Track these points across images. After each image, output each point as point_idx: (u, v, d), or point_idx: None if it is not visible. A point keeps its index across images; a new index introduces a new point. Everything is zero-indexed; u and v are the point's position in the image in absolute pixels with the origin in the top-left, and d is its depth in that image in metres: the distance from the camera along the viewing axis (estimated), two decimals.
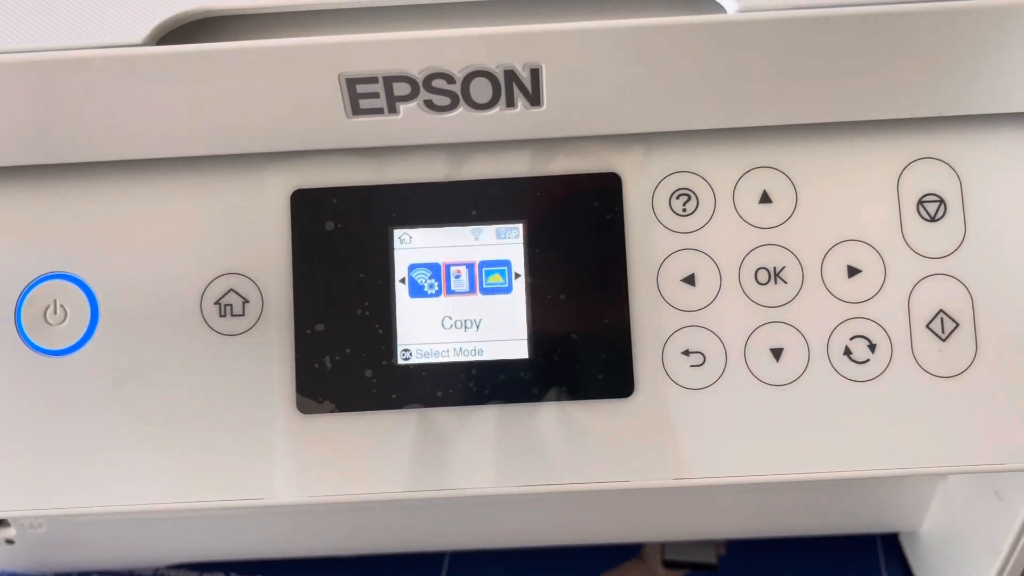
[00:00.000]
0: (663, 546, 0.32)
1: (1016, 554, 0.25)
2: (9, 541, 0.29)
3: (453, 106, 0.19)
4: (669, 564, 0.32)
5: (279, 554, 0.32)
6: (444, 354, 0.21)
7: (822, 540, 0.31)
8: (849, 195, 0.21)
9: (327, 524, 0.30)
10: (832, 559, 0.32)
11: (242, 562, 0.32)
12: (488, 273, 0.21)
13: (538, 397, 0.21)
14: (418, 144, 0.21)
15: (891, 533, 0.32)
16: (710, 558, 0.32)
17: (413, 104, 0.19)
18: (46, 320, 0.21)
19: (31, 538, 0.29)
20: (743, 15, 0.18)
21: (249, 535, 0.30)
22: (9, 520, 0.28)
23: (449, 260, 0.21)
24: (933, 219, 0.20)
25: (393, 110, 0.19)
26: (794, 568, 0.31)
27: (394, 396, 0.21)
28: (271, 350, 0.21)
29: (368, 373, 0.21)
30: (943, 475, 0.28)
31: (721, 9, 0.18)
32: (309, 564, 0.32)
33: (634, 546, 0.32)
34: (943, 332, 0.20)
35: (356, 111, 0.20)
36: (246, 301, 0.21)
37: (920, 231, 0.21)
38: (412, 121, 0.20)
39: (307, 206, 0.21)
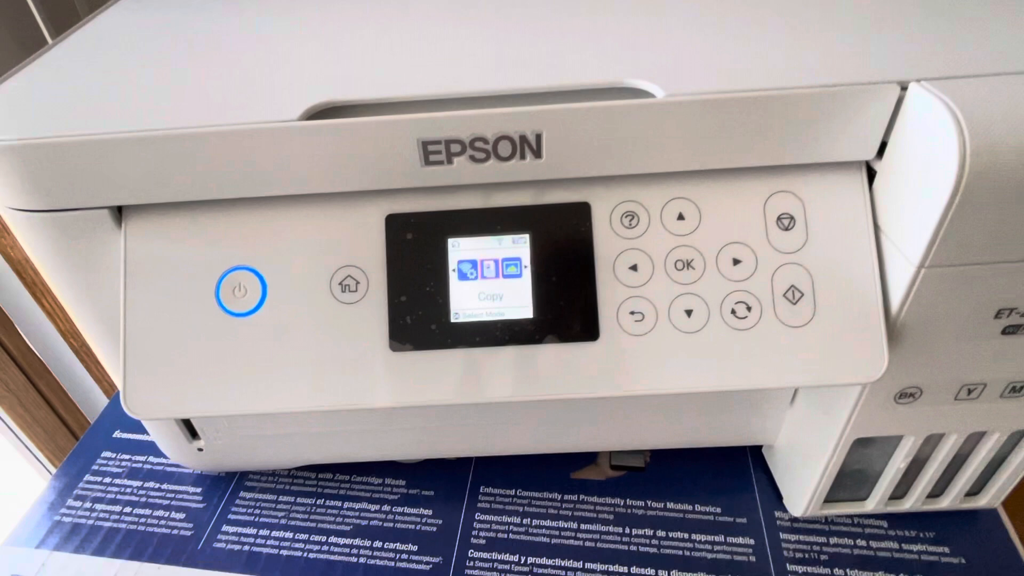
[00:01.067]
0: (610, 455, 0.33)
1: (836, 454, 0.26)
2: (200, 449, 0.30)
3: (487, 159, 0.20)
4: (614, 467, 0.33)
5: (356, 459, 0.33)
6: (480, 315, 0.22)
7: (710, 451, 0.32)
8: (735, 214, 0.21)
9: (391, 436, 0.30)
10: (718, 464, 0.32)
11: (335, 465, 0.33)
12: (507, 265, 0.22)
13: (539, 341, 0.22)
14: (465, 184, 0.21)
15: (756, 446, 0.32)
16: (640, 463, 0.33)
17: (463, 157, 0.20)
18: (234, 295, 0.22)
19: (213, 449, 0.30)
20: (667, 99, 0.19)
21: (342, 445, 0.31)
22: (200, 434, 0.30)
23: (483, 257, 0.22)
24: (787, 229, 0.21)
25: (449, 161, 0.20)
26: (694, 470, 0.32)
27: (449, 340, 0.22)
28: (374, 313, 0.22)
29: (433, 327, 0.22)
30: (792, 395, 0.28)
31: (652, 95, 0.19)
32: (378, 466, 0.33)
33: (592, 454, 0.33)
34: (794, 299, 0.21)
35: (426, 162, 0.20)
36: (358, 282, 0.22)
37: (779, 236, 0.21)
38: (461, 169, 0.20)
39: (395, 224, 0.22)
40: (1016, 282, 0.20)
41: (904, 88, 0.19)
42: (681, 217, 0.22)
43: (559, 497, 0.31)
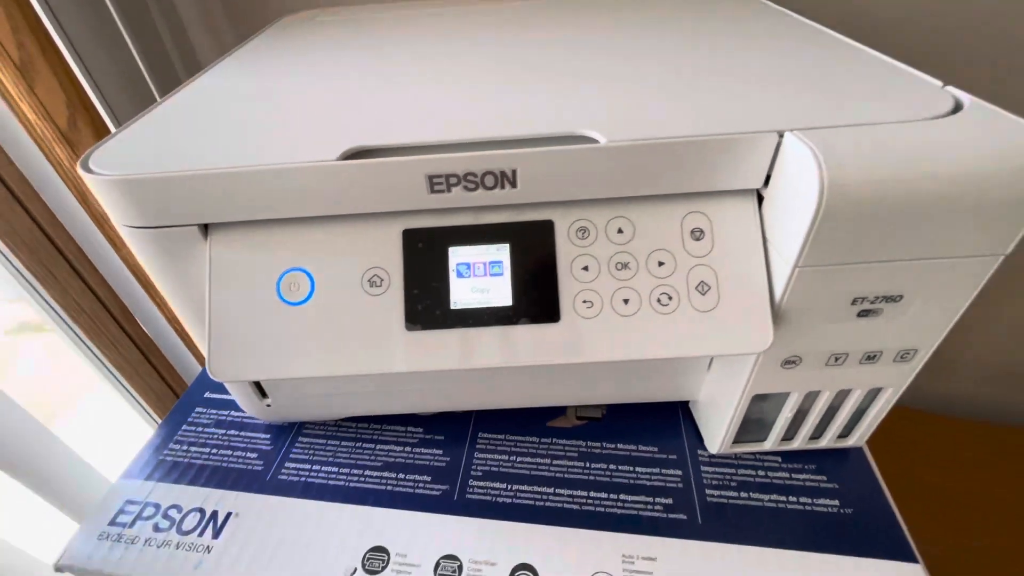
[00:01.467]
0: (576, 408, 0.33)
1: (740, 406, 0.26)
2: (268, 405, 0.30)
3: (476, 188, 0.20)
4: (579, 418, 0.32)
5: (385, 412, 0.32)
6: (472, 304, 0.22)
7: (650, 405, 0.32)
8: (660, 229, 0.22)
9: (412, 395, 0.30)
10: (656, 415, 0.31)
11: (370, 416, 0.33)
12: (493, 266, 0.22)
13: (516, 322, 0.22)
14: (461, 207, 0.21)
15: (684, 401, 0.32)
16: (598, 415, 0.32)
17: (458, 187, 0.20)
18: (290, 289, 0.22)
19: (278, 405, 0.30)
20: (608, 144, 0.19)
21: (374, 402, 0.31)
22: (268, 393, 0.30)
23: (475, 260, 0.22)
24: (698, 239, 0.21)
25: (449, 190, 0.20)
26: (638, 419, 0.31)
27: (449, 322, 0.22)
28: (394, 302, 0.22)
29: (438, 312, 0.22)
30: (708, 363, 0.27)
31: (597, 141, 0.20)
32: (401, 417, 0.33)
33: (562, 408, 0.33)
34: (703, 291, 0.21)
35: (431, 191, 0.20)
36: (382, 279, 0.22)
37: (693, 244, 0.21)
38: (457, 196, 0.20)
39: (410, 236, 0.22)
40: (865, 278, 0.20)
41: (781, 136, 0.19)
42: (620, 231, 0.22)
43: (537, 440, 0.32)
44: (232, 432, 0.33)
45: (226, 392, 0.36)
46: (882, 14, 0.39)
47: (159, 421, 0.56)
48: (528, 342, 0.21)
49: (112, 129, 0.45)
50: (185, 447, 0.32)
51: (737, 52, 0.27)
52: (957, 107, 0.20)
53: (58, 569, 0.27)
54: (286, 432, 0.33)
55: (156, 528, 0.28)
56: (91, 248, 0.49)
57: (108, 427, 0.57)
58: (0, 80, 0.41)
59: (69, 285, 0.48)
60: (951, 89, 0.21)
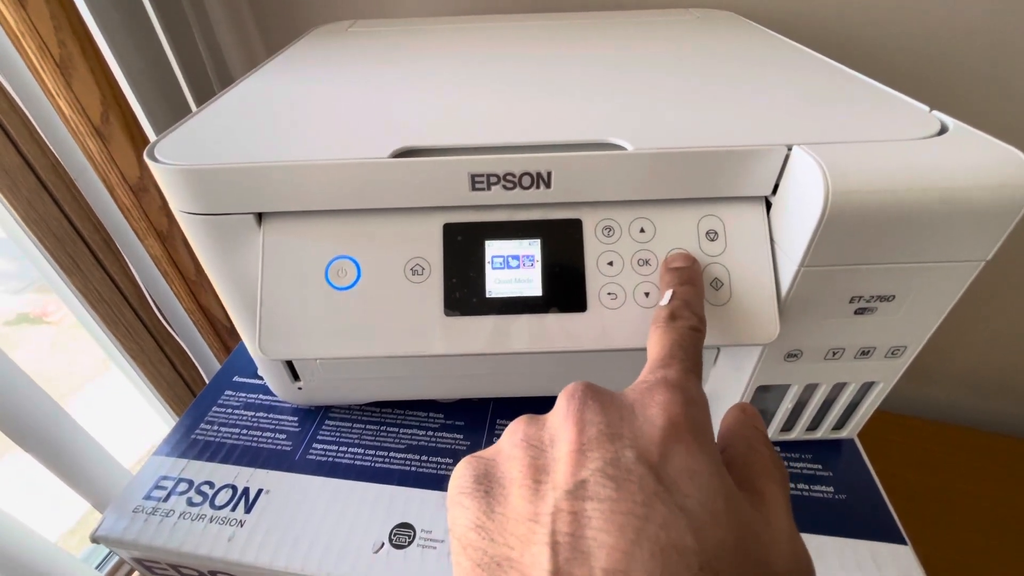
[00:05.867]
0: None
1: (744, 397, 0.26)
2: (299, 388, 0.31)
3: (514, 187, 0.21)
4: None
5: (409, 397, 0.33)
6: (506, 293, 0.23)
7: None
8: (678, 230, 0.22)
9: (435, 382, 0.31)
10: None
11: (394, 402, 0.34)
12: (526, 260, 0.23)
13: (546, 311, 0.22)
14: (498, 204, 0.22)
15: None
16: None
17: (498, 186, 0.21)
18: (338, 275, 0.22)
19: (308, 388, 0.31)
20: (635, 151, 0.20)
21: (399, 388, 0.32)
22: (300, 376, 0.30)
23: (509, 253, 0.23)
24: (713, 240, 0.22)
25: (488, 188, 0.21)
26: None
27: (485, 309, 0.22)
28: (434, 290, 0.22)
29: (474, 300, 0.22)
30: (714, 357, 0.27)
31: (624, 148, 0.21)
32: (424, 403, 0.34)
33: None
34: (717, 287, 0.22)
35: (473, 188, 0.21)
36: (424, 268, 0.23)
37: (708, 245, 0.22)
38: (496, 194, 0.21)
39: (450, 230, 0.23)
40: (862, 278, 0.21)
41: (790, 149, 0.20)
42: (642, 230, 0.23)
43: None
44: (260, 414, 0.34)
45: (254, 376, 0.37)
46: (877, 43, 0.41)
47: (171, 411, 0.56)
48: (557, 329, 0.22)
49: (145, 126, 0.47)
50: (216, 427, 0.33)
51: (748, 74, 0.29)
52: (943, 129, 0.22)
53: (95, 540, 0.28)
54: (312, 415, 0.34)
55: (190, 503, 0.29)
56: (117, 238, 0.50)
57: (115, 414, 0.57)
58: (40, 75, 0.42)
59: (91, 275, 0.49)
60: (936, 113, 0.23)
